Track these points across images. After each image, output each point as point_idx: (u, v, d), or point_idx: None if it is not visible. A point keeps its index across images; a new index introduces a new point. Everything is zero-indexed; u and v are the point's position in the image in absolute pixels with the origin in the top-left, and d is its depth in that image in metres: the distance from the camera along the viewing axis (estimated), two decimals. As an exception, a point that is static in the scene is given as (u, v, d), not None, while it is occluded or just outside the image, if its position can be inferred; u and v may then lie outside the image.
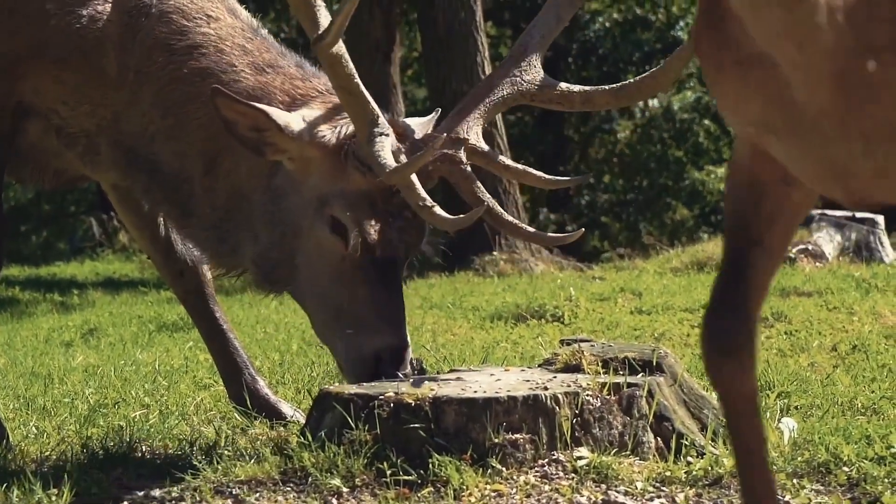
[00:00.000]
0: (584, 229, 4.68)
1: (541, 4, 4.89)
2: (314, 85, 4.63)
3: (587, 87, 4.57)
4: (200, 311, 5.22)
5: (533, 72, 4.60)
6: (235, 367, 5.13)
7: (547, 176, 4.60)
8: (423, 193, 4.24)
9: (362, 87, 4.28)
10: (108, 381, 6.28)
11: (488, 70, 13.83)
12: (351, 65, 4.26)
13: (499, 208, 4.48)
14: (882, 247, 9.34)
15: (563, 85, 4.59)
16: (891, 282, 8.21)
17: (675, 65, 4.39)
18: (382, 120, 4.31)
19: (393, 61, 16.04)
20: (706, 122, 29.73)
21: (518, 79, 4.59)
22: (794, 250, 9.13)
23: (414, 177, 4.25)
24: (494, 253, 13.25)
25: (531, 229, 4.58)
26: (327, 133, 4.45)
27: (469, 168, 4.46)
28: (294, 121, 4.43)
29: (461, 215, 4.18)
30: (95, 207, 20.91)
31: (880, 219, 9.62)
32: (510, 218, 4.53)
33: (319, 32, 4.20)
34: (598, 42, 28.08)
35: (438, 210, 4.23)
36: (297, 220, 4.47)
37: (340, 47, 4.24)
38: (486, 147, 4.49)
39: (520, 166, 4.61)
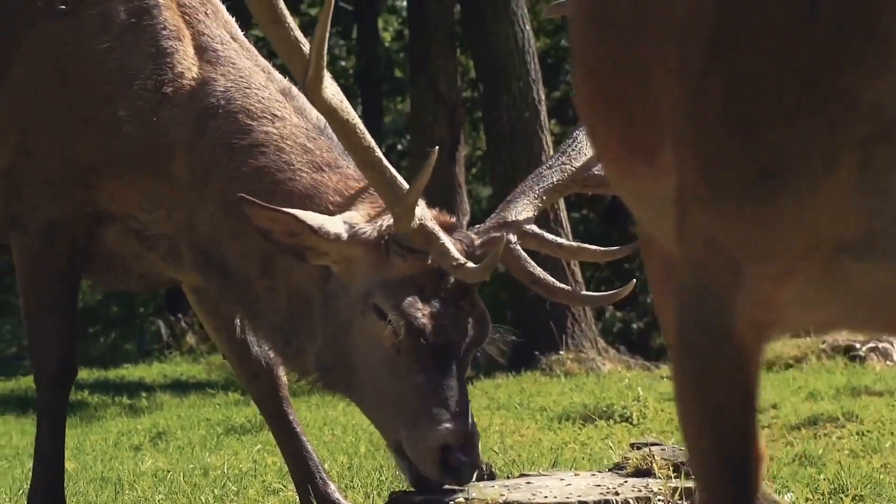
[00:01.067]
0: (634, 280, 4.66)
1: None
2: (368, 186, 4.65)
3: None
4: (274, 414, 5.22)
5: (582, 158, 4.64)
6: (308, 472, 5.12)
7: (602, 248, 4.62)
8: (455, 253, 4.24)
9: (385, 161, 4.29)
10: (177, 486, 6.29)
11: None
12: (370, 138, 4.27)
13: (550, 279, 4.48)
14: (954, 345, 9.25)
15: None
16: (964, 380, 8.13)
17: None
18: (405, 185, 4.30)
19: (458, 161, 16.11)
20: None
21: (568, 166, 4.62)
22: (863, 349, 9.05)
23: (446, 240, 4.27)
24: (561, 352, 13.20)
25: (586, 292, 4.60)
26: (368, 229, 4.44)
27: (519, 248, 4.46)
28: (330, 222, 4.42)
29: (486, 260, 4.21)
30: (163, 309, 21.06)
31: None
32: (562, 285, 4.54)
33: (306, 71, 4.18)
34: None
35: (471, 265, 4.23)
36: (347, 319, 4.46)
37: (337, 93, 4.25)
38: (537, 229, 4.51)
39: (574, 243, 4.63)
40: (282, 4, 4.16)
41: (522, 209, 4.56)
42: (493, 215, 4.56)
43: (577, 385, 10.87)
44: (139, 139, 4.74)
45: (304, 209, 4.50)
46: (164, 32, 4.81)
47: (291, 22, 4.17)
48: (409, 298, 4.36)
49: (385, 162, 4.29)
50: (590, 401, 8.85)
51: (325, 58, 4.13)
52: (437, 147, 4.24)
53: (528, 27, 13.84)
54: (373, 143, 4.30)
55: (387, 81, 26.14)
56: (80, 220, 4.82)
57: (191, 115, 4.76)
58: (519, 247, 4.48)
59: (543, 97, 14.30)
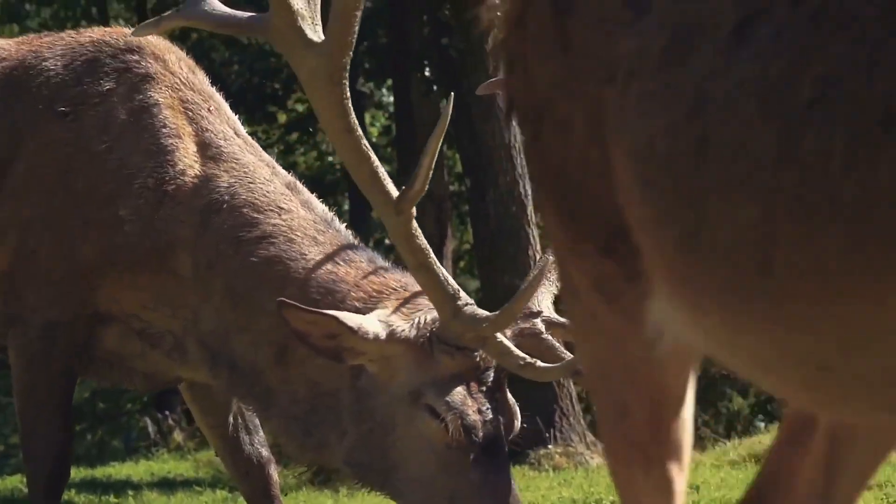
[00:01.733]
0: None
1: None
2: (387, 280, 4.67)
3: None
4: None
5: None
6: None
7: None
8: (519, 352, 4.25)
9: (437, 264, 4.34)
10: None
11: (539, 252, 13.89)
12: (424, 240, 4.30)
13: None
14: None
15: None
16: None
17: None
18: (463, 293, 4.36)
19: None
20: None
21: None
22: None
23: (503, 338, 4.31)
24: (549, 447, 13.15)
25: None
26: (405, 327, 4.46)
27: (550, 338, 4.47)
28: (368, 322, 4.42)
29: (567, 362, 4.21)
30: (150, 406, 20.98)
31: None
32: None
33: (396, 196, 4.22)
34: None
35: (542, 364, 4.29)
36: (389, 419, 4.47)
37: (412, 220, 4.28)
38: (560, 318, 4.51)
39: None
40: (352, 113, 4.19)
41: (542, 297, 4.59)
42: (513, 300, 4.54)
43: (565, 479, 10.83)
44: (141, 238, 4.75)
45: (325, 302, 4.53)
46: (164, 130, 4.81)
47: (359, 130, 4.23)
48: (460, 396, 4.40)
49: (437, 263, 4.33)
50: (578, 495, 8.82)
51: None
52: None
53: (514, 123, 13.91)
54: (426, 244, 4.32)
55: (374, 176, 26.20)
56: (80, 320, 4.80)
57: (194, 211, 4.76)
58: (549, 337, 4.51)
59: (530, 192, 14.35)
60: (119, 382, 5.11)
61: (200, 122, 4.90)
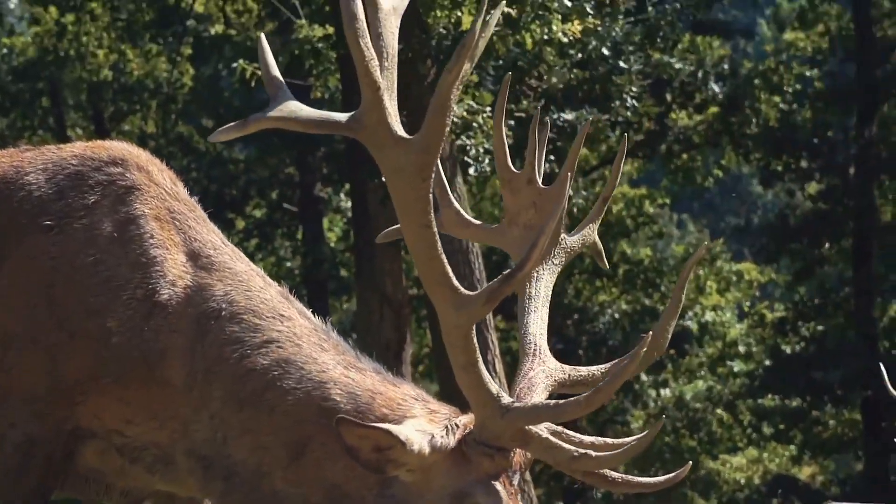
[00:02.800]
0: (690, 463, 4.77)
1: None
2: (402, 388, 4.68)
3: (604, 366, 4.82)
4: None
5: (552, 361, 4.78)
6: None
7: (622, 442, 4.58)
8: (568, 445, 4.40)
9: (482, 364, 4.39)
10: None
11: (499, 366, 13.88)
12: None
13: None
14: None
15: (583, 370, 4.81)
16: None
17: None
18: (503, 391, 4.41)
19: (404, 360, 16.14)
20: (719, 411, 29.71)
21: (546, 368, 4.77)
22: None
23: (545, 432, 4.40)
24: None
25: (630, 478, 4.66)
26: (444, 435, 4.46)
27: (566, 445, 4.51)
28: (412, 434, 4.41)
29: (627, 449, 4.33)
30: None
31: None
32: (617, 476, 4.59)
33: (514, 270, 4.26)
34: (609, 334, 28.25)
35: (594, 452, 4.37)
36: None
37: (483, 317, 4.39)
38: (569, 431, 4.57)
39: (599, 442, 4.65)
40: (432, 210, 4.25)
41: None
42: (581, 397, 4.58)
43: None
44: (129, 349, 4.66)
45: (350, 409, 4.54)
46: (151, 241, 4.75)
47: (435, 227, 4.28)
48: (504, 496, 4.45)
49: (481, 363, 4.38)
50: None
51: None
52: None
53: (471, 227, 13.99)
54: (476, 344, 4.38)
55: (332, 281, 26.26)
56: (59, 437, 4.69)
57: (188, 320, 4.69)
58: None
59: (488, 295, 14.40)
60: (94, 498, 5.01)
61: (188, 231, 4.87)
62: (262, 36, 4.53)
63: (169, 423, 4.72)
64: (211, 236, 4.90)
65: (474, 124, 13.59)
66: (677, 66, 22.26)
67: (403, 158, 4.19)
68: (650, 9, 19.99)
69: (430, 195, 4.25)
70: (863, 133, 26.84)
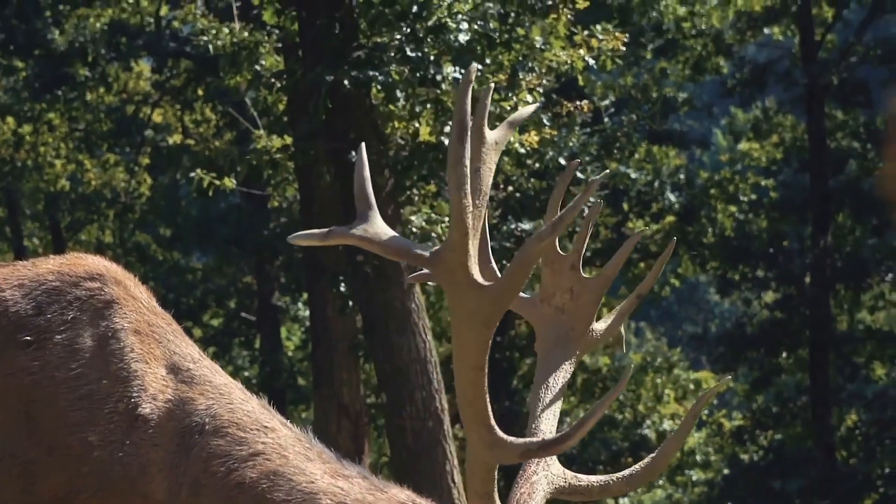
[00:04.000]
0: None
1: (499, 409, 5.05)
2: (391, 495, 4.69)
3: (604, 478, 4.74)
4: None
5: (556, 466, 4.79)
6: None
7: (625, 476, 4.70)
8: None
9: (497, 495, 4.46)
10: None
11: (457, 477, 13.82)
12: None
13: None
14: None
15: (583, 477, 4.78)
16: None
17: (674, 445, 4.69)
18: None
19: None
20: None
21: (549, 473, 4.77)
22: None
23: None
24: None
25: None
26: None
27: None
28: None
29: None
30: None
31: None
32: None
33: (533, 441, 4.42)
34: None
35: None
36: None
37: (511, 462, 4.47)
38: None
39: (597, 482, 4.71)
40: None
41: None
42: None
43: None
44: (111, 464, 4.61)
45: None
46: (132, 355, 4.72)
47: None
48: None
49: (496, 494, 4.45)
50: None
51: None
52: None
53: (429, 337, 13.97)
54: None
55: (290, 391, 26.12)
56: None
57: (169, 434, 4.66)
58: None
59: (447, 406, 14.35)
60: None
61: (167, 345, 4.85)
62: (363, 147, 4.54)
63: None
64: (189, 349, 4.91)
65: (433, 234, 13.63)
66: (634, 175, 22.45)
67: (475, 304, 4.21)
68: (606, 119, 20.21)
69: (490, 341, 4.27)
70: (818, 242, 27.06)
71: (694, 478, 28.68)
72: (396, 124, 13.16)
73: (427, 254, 4.22)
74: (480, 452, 4.34)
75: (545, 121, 14.16)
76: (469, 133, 4.15)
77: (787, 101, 29.39)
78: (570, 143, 17.04)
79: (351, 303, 14.58)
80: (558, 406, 4.90)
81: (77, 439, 4.63)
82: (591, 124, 19.19)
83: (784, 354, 29.20)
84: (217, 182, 14.04)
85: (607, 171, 4.78)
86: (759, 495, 28.20)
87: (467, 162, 4.14)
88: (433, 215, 13.55)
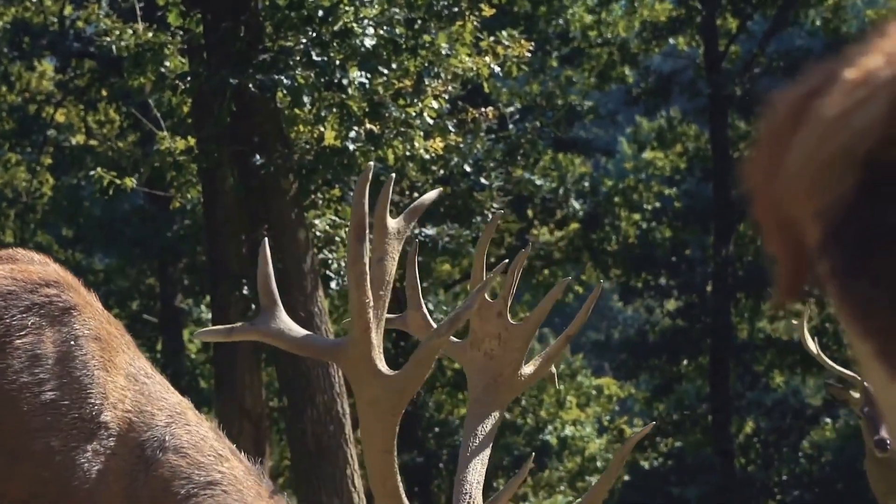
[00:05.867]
0: None
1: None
2: None
3: None
4: None
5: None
6: None
7: None
8: None
9: None
10: None
11: (357, 482, 13.84)
12: None
13: None
14: None
15: None
16: None
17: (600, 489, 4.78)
18: None
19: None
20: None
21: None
22: None
23: None
24: None
25: None
26: None
27: None
28: None
29: None
30: None
31: None
32: None
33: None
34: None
35: None
36: None
37: None
38: None
39: None
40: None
41: None
42: None
43: None
44: (72, 470, 4.55)
45: None
46: (93, 363, 4.67)
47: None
48: None
49: None
50: None
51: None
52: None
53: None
54: None
55: (192, 393, 25.94)
56: None
57: (129, 445, 4.62)
58: None
59: (348, 409, 14.36)
60: None
61: (123, 355, 4.83)
62: (266, 242, 4.63)
63: None
64: (142, 362, 4.89)
65: (336, 238, 13.63)
66: (538, 182, 22.56)
67: (379, 393, 4.36)
68: (511, 126, 20.30)
69: (397, 427, 4.43)
70: (720, 251, 27.36)
71: (592, 482, 28.85)
72: (301, 128, 13.15)
73: (329, 347, 4.43)
74: None
75: (450, 127, 14.21)
76: (367, 231, 4.31)
77: (692, 111, 29.68)
78: (475, 150, 17.11)
79: (253, 306, 14.54)
80: (486, 454, 4.96)
81: (40, 444, 4.58)
82: (496, 131, 19.28)
83: (685, 362, 29.49)
84: (118, 181, 13.94)
85: (529, 244, 4.85)
86: (658, 501, 28.45)
87: (366, 259, 4.30)
88: (337, 219, 13.55)
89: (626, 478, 29.16)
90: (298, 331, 4.44)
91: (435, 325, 5.12)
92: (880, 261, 1.28)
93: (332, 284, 13.90)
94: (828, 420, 29.54)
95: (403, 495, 4.45)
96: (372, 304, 4.35)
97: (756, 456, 29.35)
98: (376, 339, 4.38)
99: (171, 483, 4.62)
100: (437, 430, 26.88)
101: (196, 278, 24.67)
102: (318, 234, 13.57)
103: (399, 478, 4.46)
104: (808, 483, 28.67)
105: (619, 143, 40.10)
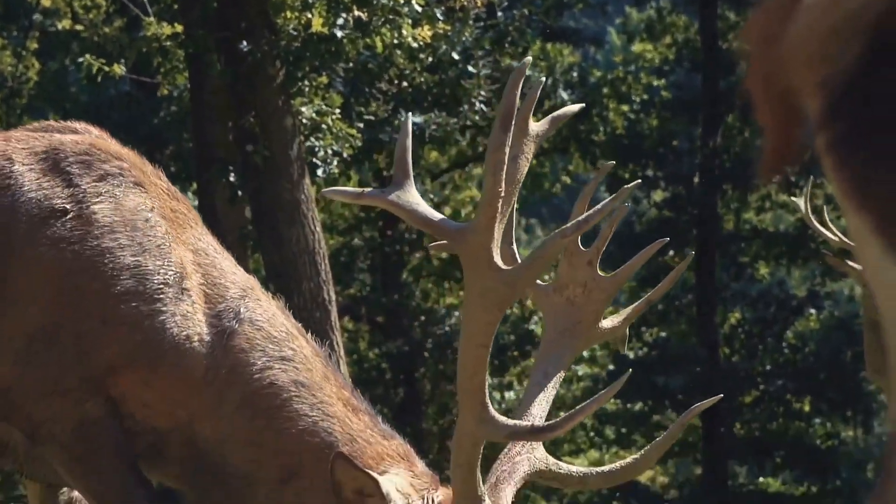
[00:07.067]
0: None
1: (389, 302, 5.15)
2: (394, 445, 4.83)
3: (583, 469, 4.96)
4: None
5: (540, 450, 4.94)
6: None
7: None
8: None
9: (478, 467, 4.56)
10: None
11: (343, 370, 13.91)
12: None
13: None
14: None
15: (564, 465, 4.95)
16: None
17: (658, 450, 4.98)
18: (486, 496, 4.59)
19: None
20: (562, 413, 29.95)
21: (532, 456, 4.91)
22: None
23: None
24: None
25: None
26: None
27: None
28: (393, 491, 4.59)
29: None
30: None
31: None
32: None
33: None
34: (455, 336, 28.39)
35: None
36: None
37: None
38: None
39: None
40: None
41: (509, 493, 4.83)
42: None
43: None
44: (161, 333, 4.61)
45: (346, 449, 4.65)
46: (166, 236, 4.73)
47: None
48: None
49: (478, 466, 4.55)
50: None
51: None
52: None
53: (318, 228, 13.98)
54: None
55: (179, 281, 26.00)
56: (108, 414, 4.60)
57: (207, 315, 4.71)
58: None
59: (334, 297, 14.40)
60: (54, 481, 4.92)
61: (191, 231, 4.86)
62: (410, 116, 4.71)
63: (177, 412, 4.69)
64: (209, 238, 4.92)
65: (323, 126, 13.58)
66: (527, 72, 22.44)
67: (492, 286, 4.32)
68: (500, 14, 20.16)
69: (498, 323, 4.41)
70: (707, 143, 27.34)
71: (579, 373, 29.06)
72: (289, 15, 13.04)
73: (452, 230, 4.34)
74: (469, 425, 4.45)
75: (438, 15, 14.12)
76: (512, 123, 4.24)
77: (681, 2, 29.49)
78: (464, 38, 17.01)
79: (240, 193, 14.53)
80: (552, 394, 5.02)
81: (129, 309, 4.61)
82: (484, 19, 19.14)
83: (671, 253, 29.58)
84: (106, 68, 13.87)
85: (638, 181, 4.87)
86: (642, 391, 28.68)
87: (507, 150, 4.24)
88: (324, 107, 13.50)
89: (611, 367, 29.38)
90: (425, 207, 4.40)
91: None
92: (880, 133, 1.29)
93: (319, 172, 13.88)
94: (812, 311, 29.71)
95: (487, 394, 4.46)
96: (503, 194, 4.29)
97: (740, 346, 29.55)
98: (498, 232, 4.33)
99: (249, 354, 4.71)
100: (423, 318, 26.97)
101: (182, 165, 24.59)
102: (304, 121, 13.51)
103: (487, 375, 4.46)
104: (791, 373, 28.91)
105: (609, 34, 39.88)
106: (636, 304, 5.23)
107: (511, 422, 4.50)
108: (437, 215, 4.40)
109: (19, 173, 4.71)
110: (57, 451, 4.62)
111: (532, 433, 4.57)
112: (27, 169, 4.73)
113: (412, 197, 4.41)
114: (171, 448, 4.74)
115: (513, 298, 4.39)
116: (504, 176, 4.24)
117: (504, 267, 4.33)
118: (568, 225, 4.36)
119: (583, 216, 4.39)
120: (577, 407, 4.51)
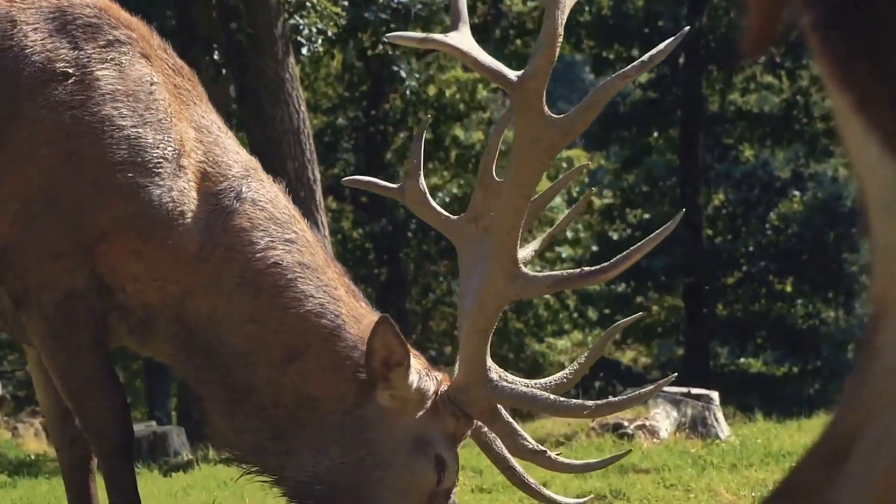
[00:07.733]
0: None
1: (387, 177, 5.12)
2: None
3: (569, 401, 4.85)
4: (78, 484, 5.10)
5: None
6: None
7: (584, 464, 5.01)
8: (530, 438, 4.70)
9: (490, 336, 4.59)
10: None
11: (329, 246, 13.93)
12: None
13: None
14: (717, 423, 9.43)
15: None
16: (726, 458, 8.28)
17: (583, 369, 4.87)
18: (494, 367, 4.63)
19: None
20: (546, 295, 30.12)
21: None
22: (631, 427, 9.22)
23: (513, 422, 4.68)
24: None
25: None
26: (428, 382, 4.67)
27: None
28: (414, 364, 4.63)
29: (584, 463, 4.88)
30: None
31: (715, 395, 9.74)
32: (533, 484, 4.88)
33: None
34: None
35: (553, 455, 4.72)
36: (385, 454, 4.61)
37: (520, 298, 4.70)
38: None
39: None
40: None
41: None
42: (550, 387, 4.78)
43: None
44: (156, 205, 4.57)
45: (354, 331, 4.67)
46: (168, 110, 4.68)
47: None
48: (453, 454, 4.67)
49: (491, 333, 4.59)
50: None
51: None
52: None
53: (303, 108, 13.92)
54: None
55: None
56: (93, 287, 4.59)
57: (204, 193, 4.66)
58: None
59: (319, 177, 14.38)
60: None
61: (194, 108, 4.79)
62: None
63: (169, 288, 4.66)
64: (214, 116, 4.88)
65: (308, 4, 13.46)
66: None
67: (543, 132, 4.30)
68: None
69: (544, 173, 4.43)
70: (693, 23, 27.17)
71: (563, 255, 29.12)
72: None
73: (509, 76, 4.31)
74: (500, 284, 4.47)
75: None
76: None
77: None
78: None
79: (224, 71, 14.42)
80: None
81: (124, 178, 4.57)
82: None
83: (655, 134, 29.55)
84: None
85: (687, 27, 4.71)
86: (625, 272, 28.79)
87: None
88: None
89: (595, 248, 29.47)
90: (482, 53, 4.38)
91: (429, 198, 5.11)
92: (862, 12, 1.28)
93: (304, 50, 13.78)
94: (795, 192, 29.78)
95: (519, 252, 4.48)
96: (561, 39, 4.29)
97: (724, 227, 29.65)
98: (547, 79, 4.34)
99: (252, 234, 4.68)
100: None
101: (166, 42, 24.44)
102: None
103: (520, 231, 4.47)
104: (774, 254, 29.05)
105: (596, -89, 39.49)
106: (546, 233, 5.20)
107: (545, 273, 4.56)
108: (493, 61, 4.37)
109: (23, 34, 4.66)
110: (39, 320, 4.63)
111: (579, 277, 4.57)
112: (32, 29, 4.67)
113: (470, 43, 4.39)
114: (163, 325, 4.73)
115: (562, 144, 4.36)
116: (562, 22, 4.24)
117: (555, 116, 4.32)
118: (628, 67, 4.32)
119: (646, 56, 4.33)
120: (633, 247, 4.60)
